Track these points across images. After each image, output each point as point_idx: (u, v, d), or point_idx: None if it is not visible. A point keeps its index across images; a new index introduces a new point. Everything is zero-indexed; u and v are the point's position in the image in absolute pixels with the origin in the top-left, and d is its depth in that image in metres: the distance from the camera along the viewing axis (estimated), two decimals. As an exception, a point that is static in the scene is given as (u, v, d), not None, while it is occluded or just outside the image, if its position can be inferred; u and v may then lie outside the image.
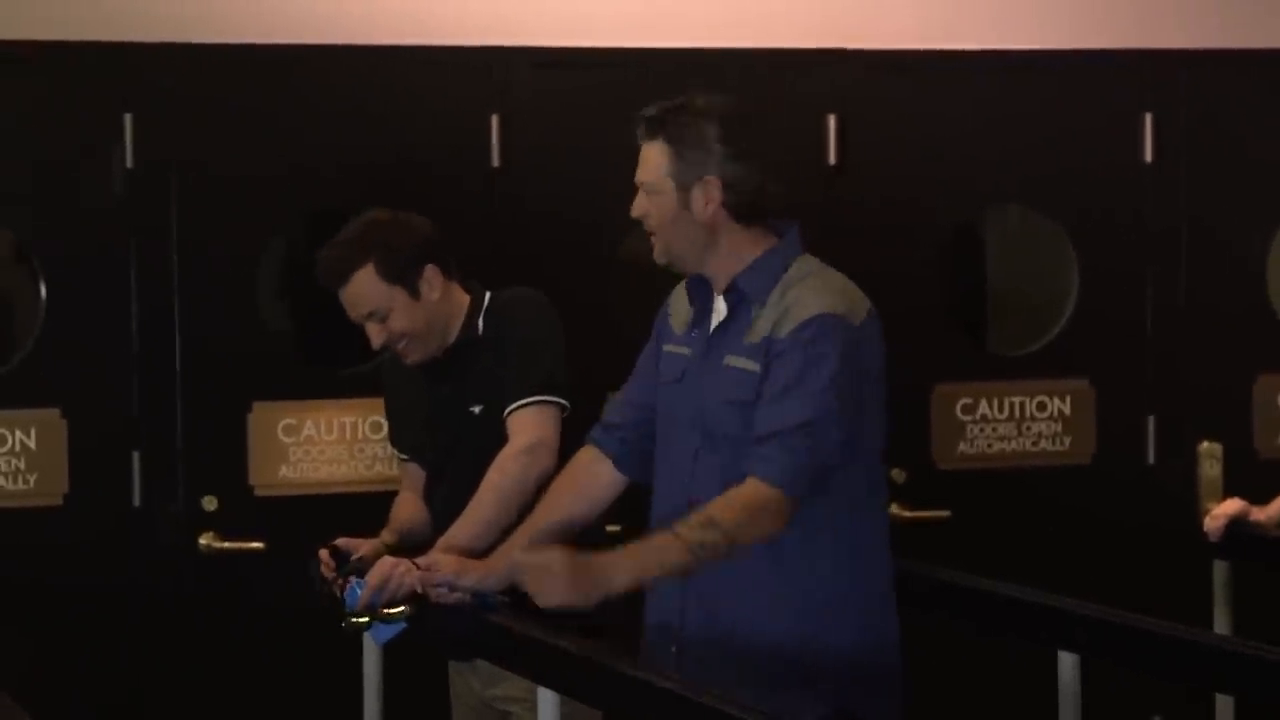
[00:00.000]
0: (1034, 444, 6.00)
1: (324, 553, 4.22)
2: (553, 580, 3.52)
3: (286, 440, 5.48)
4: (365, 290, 4.26)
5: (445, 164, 5.54)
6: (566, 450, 4.12)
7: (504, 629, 3.76)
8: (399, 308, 4.27)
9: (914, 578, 4.28)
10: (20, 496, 5.32)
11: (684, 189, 3.69)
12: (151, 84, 5.39)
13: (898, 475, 5.83)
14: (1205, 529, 4.72)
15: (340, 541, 4.26)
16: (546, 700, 3.57)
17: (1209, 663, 3.73)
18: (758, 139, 3.71)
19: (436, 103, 5.57)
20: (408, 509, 4.50)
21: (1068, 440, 6.02)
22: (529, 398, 4.19)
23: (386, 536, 4.37)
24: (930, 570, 4.39)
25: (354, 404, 5.47)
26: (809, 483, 3.56)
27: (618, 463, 3.92)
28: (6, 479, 5.31)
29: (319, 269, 4.33)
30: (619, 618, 4.04)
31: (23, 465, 5.32)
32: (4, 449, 5.31)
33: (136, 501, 5.40)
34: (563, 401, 4.21)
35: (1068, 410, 6.01)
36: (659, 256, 3.78)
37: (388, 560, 4.00)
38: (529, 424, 4.17)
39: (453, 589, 3.88)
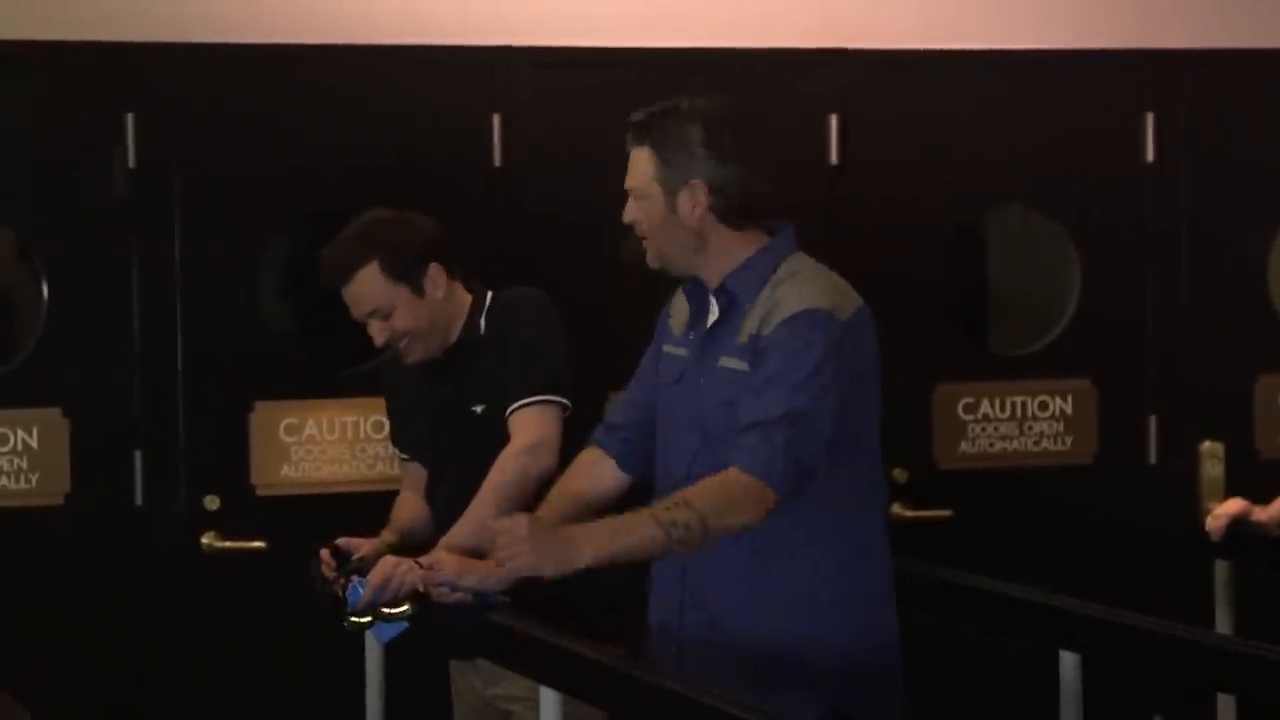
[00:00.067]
0: (1035, 444, 6.00)
1: (325, 552, 4.22)
2: (519, 544, 3.52)
3: (288, 440, 5.49)
4: (369, 288, 4.27)
5: (446, 164, 5.54)
6: (567, 449, 4.12)
7: (506, 628, 3.76)
8: (402, 306, 4.27)
9: (915, 577, 4.28)
10: (22, 496, 5.32)
11: (670, 193, 3.70)
12: (153, 84, 5.39)
13: (899, 475, 5.83)
14: (1207, 529, 4.72)
15: (341, 541, 4.26)
16: (548, 700, 3.57)
17: (1210, 662, 3.73)
18: (744, 141, 3.71)
19: (438, 103, 5.57)
20: (408, 508, 4.50)
21: (1069, 440, 6.02)
22: (531, 397, 4.19)
23: (387, 536, 4.38)
24: (932, 570, 4.39)
25: (356, 403, 5.47)
26: (793, 477, 3.54)
27: (621, 463, 3.92)
28: (8, 478, 5.31)
29: (322, 267, 4.33)
30: (621, 618, 4.06)
31: (25, 465, 5.32)
32: (6, 448, 5.31)
33: (138, 501, 5.40)
34: (564, 401, 4.21)
35: (1069, 410, 6.01)
36: (651, 261, 3.79)
37: (389, 559, 4.00)
38: (530, 423, 4.18)
39: (454, 589, 3.88)
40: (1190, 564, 5.01)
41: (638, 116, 3.75)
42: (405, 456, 4.60)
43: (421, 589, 3.91)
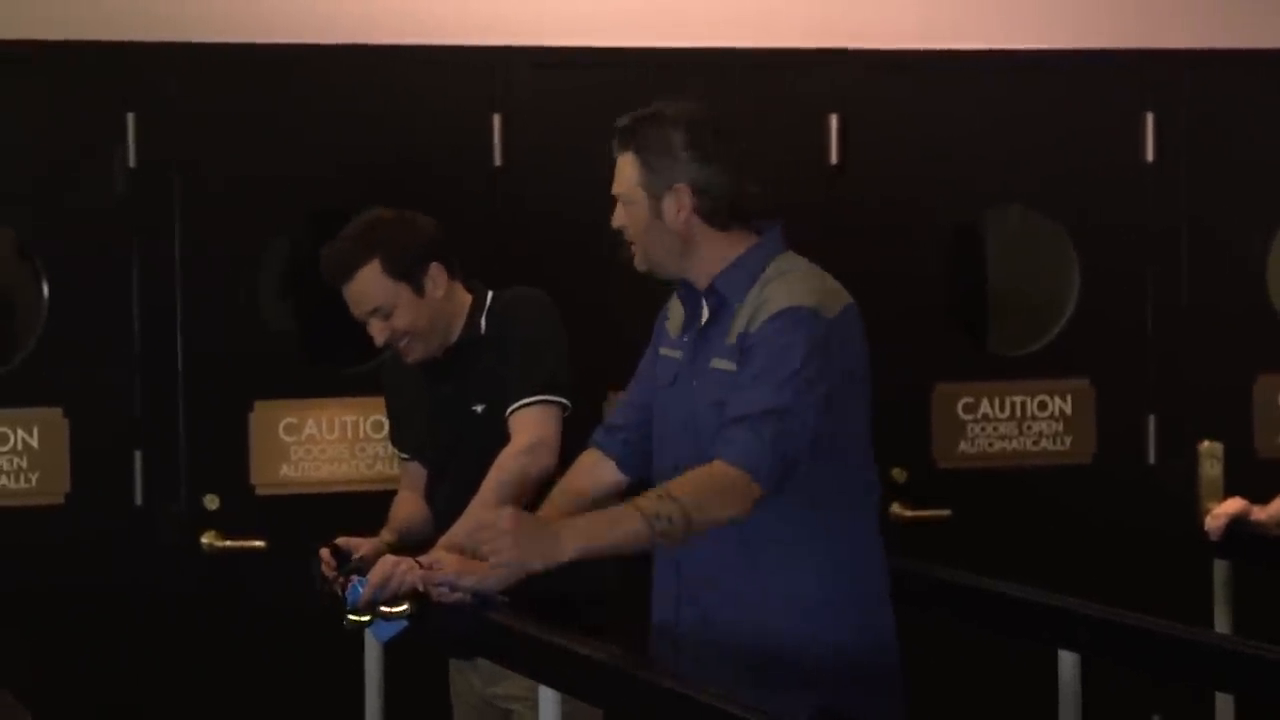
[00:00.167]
0: (1035, 443, 6.00)
1: (325, 552, 4.22)
2: (503, 538, 3.52)
3: (288, 439, 5.49)
4: (370, 287, 4.27)
5: (447, 164, 5.55)
6: (568, 449, 4.13)
7: (505, 627, 3.76)
8: (403, 305, 4.28)
9: (914, 577, 4.29)
10: (22, 495, 5.33)
11: (655, 198, 3.70)
12: (153, 84, 5.39)
13: (898, 474, 5.84)
14: (1206, 528, 4.72)
15: (340, 541, 4.26)
16: (547, 699, 3.58)
17: (1209, 662, 3.73)
18: (728, 143, 3.71)
19: (438, 102, 5.57)
20: (407, 508, 4.51)
21: (1068, 440, 6.02)
22: (531, 397, 4.19)
23: (386, 535, 4.38)
24: (930, 569, 4.39)
25: (355, 403, 5.48)
26: (777, 471, 3.54)
27: (620, 464, 3.92)
28: (9, 478, 5.32)
29: (323, 265, 4.33)
30: (621, 617, 4.06)
31: (25, 464, 5.33)
32: (6, 448, 5.32)
33: (138, 500, 5.40)
34: (564, 401, 4.22)
35: (1068, 410, 6.02)
36: (639, 265, 3.80)
37: (389, 558, 4.00)
38: (530, 423, 4.18)
39: (453, 588, 3.88)
40: (1189, 563, 5.01)
41: (622, 122, 3.76)
42: (405, 456, 4.60)
43: (421, 588, 3.92)
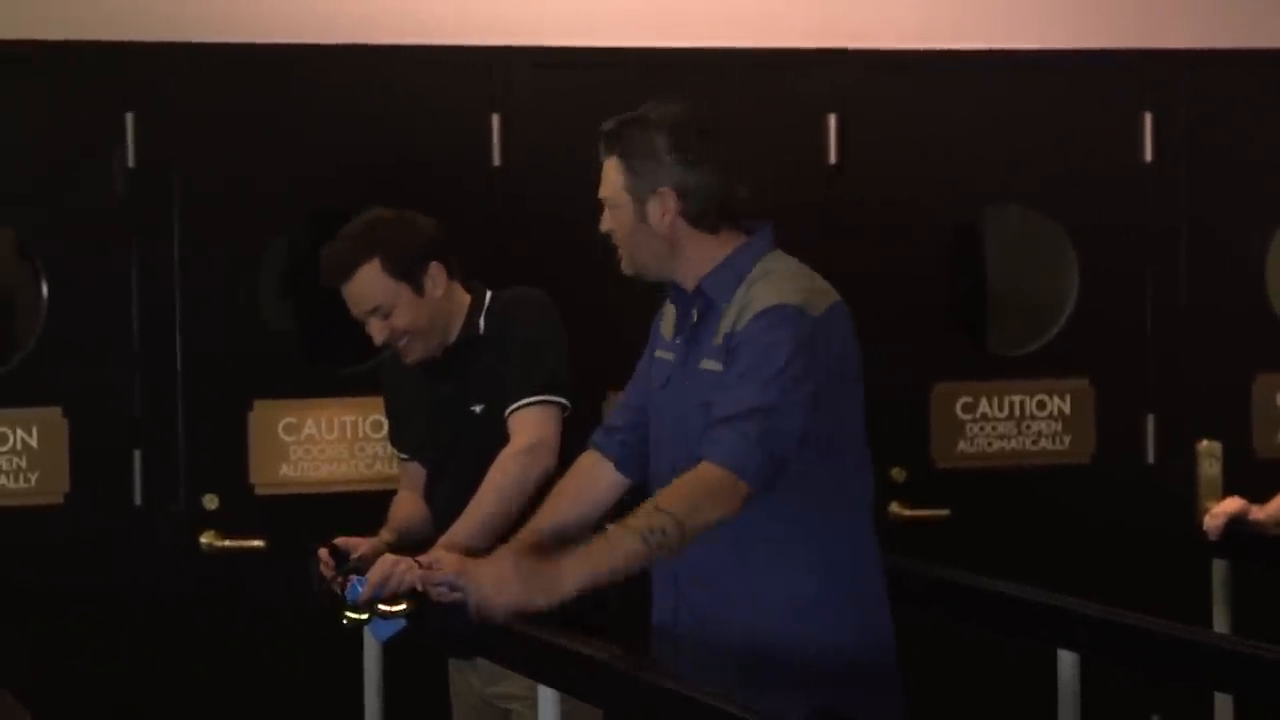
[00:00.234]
0: (1033, 443, 6.01)
1: (323, 552, 4.22)
2: (505, 582, 3.52)
3: (287, 439, 5.49)
4: (369, 286, 4.27)
5: (446, 164, 5.55)
6: (567, 449, 4.13)
7: (504, 627, 3.76)
8: (403, 304, 4.28)
9: (913, 576, 4.29)
10: (21, 495, 5.33)
11: (640, 202, 3.70)
12: (153, 84, 5.39)
13: (897, 474, 5.84)
14: (1204, 528, 4.72)
15: (339, 540, 4.26)
16: (546, 698, 3.58)
17: (1208, 662, 3.73)
18: (713, 145, 3.70)
19: (437, 102, 5.58)
20: (406, 508, 4.51)
21: (1067, 439, 6.03)
22: (530, 397, 4.19)
23: (385, 535, 4.38)
24: (929, 569, 4.39)
25: (354, 403, 5.48)
26: (764, 469, 3.53)
27: (619, 465, 3.92)
28: (8, 478, 5.32)
29: (323, 265, 4.33)
30: (621, 617, 4.06)
31: (24, 464, 5.33)
32: (5, 448, 5.32)
33: (137, 500, 5.41)
34: (564, 401, 4.22)
35: (1067, 409, 6.02)
36: (626, 268, 3.80)
37: (389, 557, 4.00)
38: (530, 423, 4.18)
39: (453, 588, 3.88)
40: (1188, 563, 5.01)
41: (607, 126, 3.76)
42: (404, 456, 4.60)
43: (420, 588, 3.92)
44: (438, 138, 5.55)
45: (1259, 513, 4.70)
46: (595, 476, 3.94)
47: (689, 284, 3.73)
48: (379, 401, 4.73)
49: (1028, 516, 5.92)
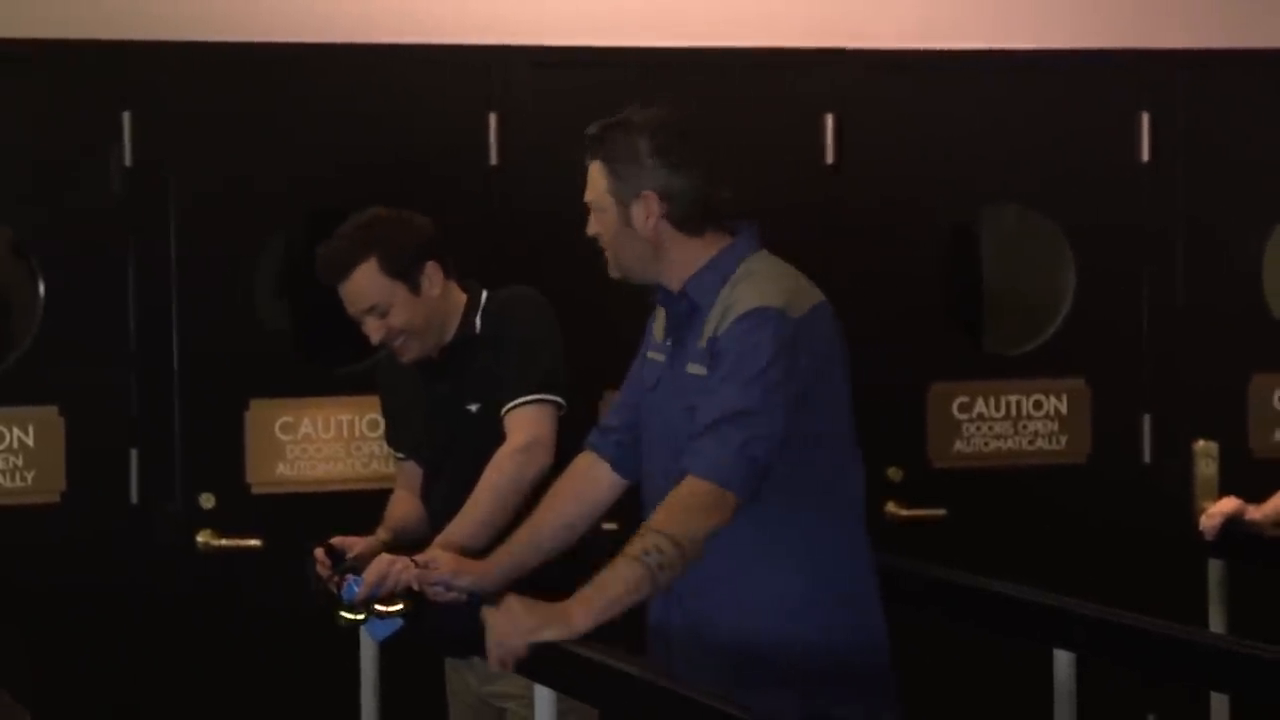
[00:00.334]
0: (1030, 443, 6.01)
1: (319, 551, 4.22)
2: (517, 619, 3.51)
3: (284, 438, 5.49)
4: (366, 285, 4.27)
5: (443, 163, 5.55)
6: (563, 448, 4.13)
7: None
8: (399, 303, 4.28)
9: (909, 576, 4.30)
10: (18, 494, 5.33)
11: (624, 205, 3.70)
12: (150, 83, 5.39)
13: (894, 474, 5.84)
14: (1201, 528, 4.73)
15: (335, 540, 4.26)
16: (543, 698, 3.58)
17: (1204, 661, 3.73)
18: (696, 148, 3.69)
19: (434, 101, 5.57)
20: (402, 507, 4.51)
21: (1064, 439, 6.03)
22: (526, 396, 4.19)
23: (382, 534, 4.38)
24: (926, 569, 4.39)
25: (351, 402, 5.48)
26: (750, 479, 3.53)
27: (615, 465, 3.92)
28: (4, 477, 5.32)
29: (320, 263, 4.33)
30: (619, 618, 4.06)
31: (20, 463, 5.33)
32: (2, 446, 5.32)
33: (134, 499, 5.40)
34: (560, 400, 4.22)
35: (1064, 409, 6.02)
36: (612, 271, 3.81)
37: (385, 557, 4.00)
38: (526, 422, 4.18)
39: (449, 588, 3.89)
40: (1184, 563, 5.01)
41: (591, 130, 3.76)
42: (400, 455, 4.60)
43: (416, 587, 3.92)
44: (435, 137, 5.55)
45: (1255, 512, 4.71)
46: (592, 477, 3.94)
47: (674, 286, 3.73)
48: (375, 401, 4.73)
49: (1024, 516, 5.92)
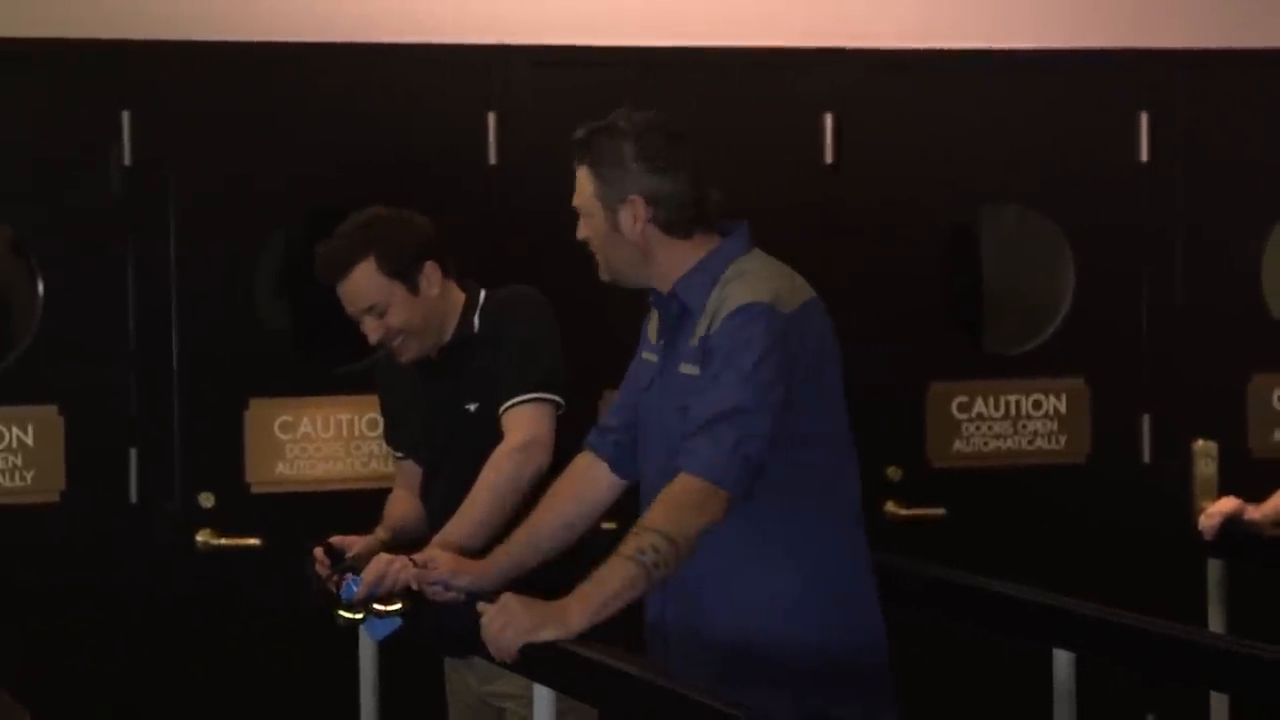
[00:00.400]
0: (1029, 442, 6.01)
1: (318, 550, 4.22)
2: (513, 618, 3.51)
3: (283, 437, 5.49)
4: (365, 284, 4.27)
5: (442, 162, 5.55)
6: (562, 447, 4.13)
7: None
8: (397, 303, 4.28)
9: (909, 576, 4.29)
10: (17, 493, 5.33)
11: (611, 210, 3.70)
12: (150, 82, 5.39)
13: (894, 473, 5.84)
14: (1200, 527, 4.73)
15: (334, 539, 4.26)
16: (542, 697, 3.58)
17: (1204, 661, 3.73)
18: (682, 152, 3.69)
19: (434, 101, 5.57)
20: (401, 506, 4.51)
21: (1063, 439, 6.03)
22: (525, 395, 4.19)
23: (380, 534, 4.38)
24: (925, 568, 4.39)
25: (350, 401, 5.48)
26: (743, 477, 3.53)
27: (614, 466, 3.92)
28: (4, 476, 5.32)
29: (318, 263, 4.33)
30: (617, 616, 4.06)
31: (20, 462, 5.33)
32: (1, 446, 5.32)
33: (133, 498, 5.40)
34: (558, 399, 4.22)
35: (1063, 409, 6.02)
36: (603, 275, 3.81)
37: (384, 556, 4.00)
38: (524, 421, 4.18)
39: (448, 587, 3.89)
40: (1183, 563, 5.01)
41: (578, 134, 3.75)
42: (399, 455, 4.60)
43: (415, 586, 3.92)
44: (433, 136, 5.55)
45: (1254, 512, 4.71)
46: (591, 478, 3.94)
47: (664, 288, 3.74)
48: (374, 400, 4.73)
49: (1024, 516, 5.92)
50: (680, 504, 3.52)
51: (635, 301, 3.97)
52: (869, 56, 5.82)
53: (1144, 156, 6.04)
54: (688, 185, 3.68)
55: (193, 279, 5.42)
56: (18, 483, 5.33)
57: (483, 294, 4.39)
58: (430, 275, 4.30)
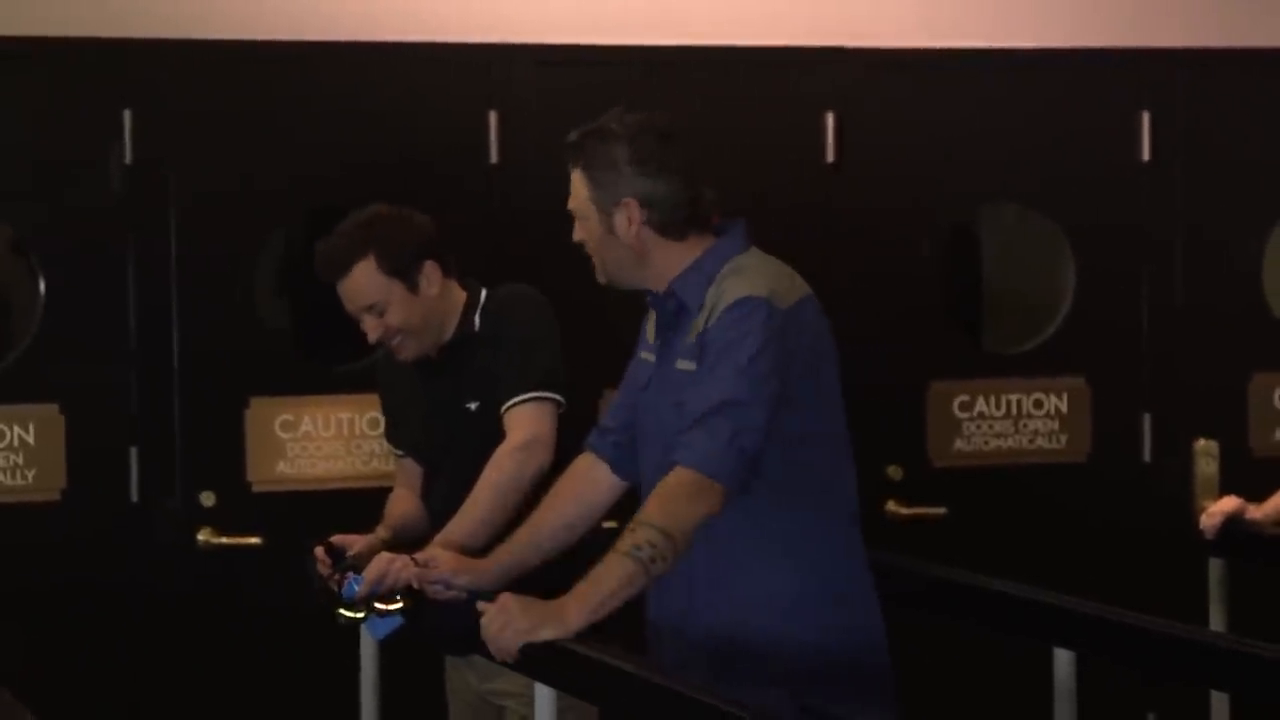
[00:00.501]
0: (1030, 442, 6.01)
1: (319, 549, 4.22)
2: (511, 617, 3.51)
3: (284, 436, 5.49)
4: (364, 282, 4.27)
5: (443, 161, 5.55)
6: (563, 446, 4.13)
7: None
8: (396, 302, 4.28)
9: (909, 575, 4.30)
10: (19, 492, 5.33)
11: (606, 213, 3.70)
12: (151, 80, 5.39)
13: (894, 472, 5.84)
14: (1201, 527, 4.73)
15: (335, 538, 4.26)
16: (542, 696, 3.58)
17: (1204, 660, 3.73)
18: (674, 153, 3.68)
19: (435, 99, 5.57)
20: (401, 505, 4.51)
21: (1064, 438, 6.03)
22: (526, 394, 4.19)
23: (381, 532, 4.38)
24: (926, 567, 4.39)
25: (351, 400, 5.48)
26: (738, 471, 3.52)
27: (614, 467, 3.92)
28: (5, 475, 5.32)
29: (318, 260, 4.33)
30: (618, 614, 4.06)
31: (21, 461, 5.33)
32: (2, 444, 5.32)
33: (134, 497, 5.40)
34: (559, 398, 4.22)
35: (1064, 408, 6.02)
36: (600, 277, 3.81)
37: (385, 555, 4.01)
38: (525, 420, 4.18)
39: (449, 586, 3.89)
40: (1184, 562, 5.01)
41: (572, 137, 3.75)
42: (400, 453, 4.60)
43: (416, 585, 3.92)
44: (434, 135, 5.55)
45: (1255, 512, 4.71)
46: (591, 478, 3.94)
47: (660, 289, 3.74)
48: (375, 399, 4.73)
49: (1024, 515, 5.92)
50: (676, 497, 3.52)
51: (635, 301, 3.97)
52: (870, 56, 5.82)
53: (1145, 156, 6.04)
54: (681, 186, 3.68)
55: (193, 278, 5.42)
56: (19, 481, 5.33)
57: (483, 293, 4.39)
58: (430, 275, 4.30)
